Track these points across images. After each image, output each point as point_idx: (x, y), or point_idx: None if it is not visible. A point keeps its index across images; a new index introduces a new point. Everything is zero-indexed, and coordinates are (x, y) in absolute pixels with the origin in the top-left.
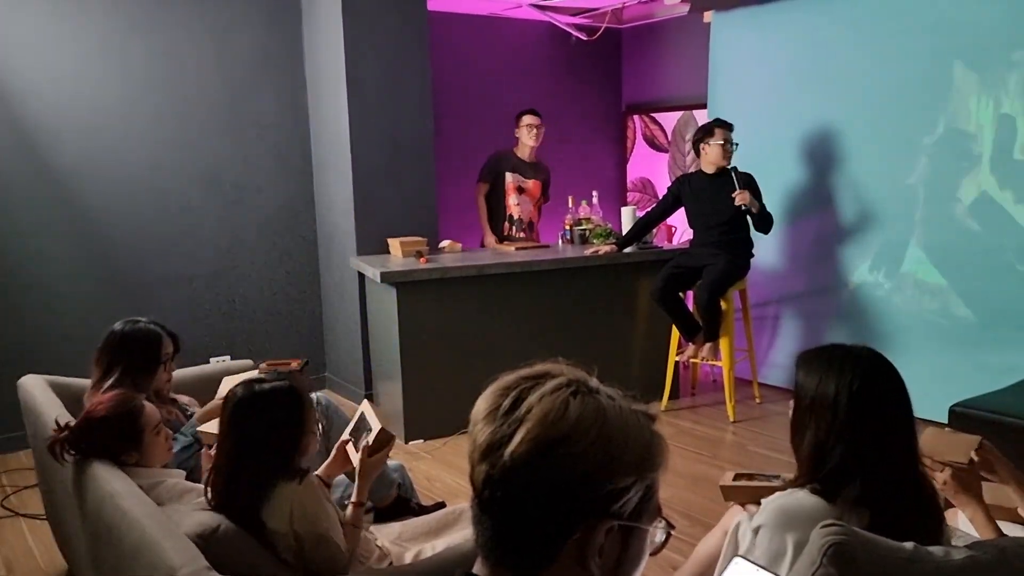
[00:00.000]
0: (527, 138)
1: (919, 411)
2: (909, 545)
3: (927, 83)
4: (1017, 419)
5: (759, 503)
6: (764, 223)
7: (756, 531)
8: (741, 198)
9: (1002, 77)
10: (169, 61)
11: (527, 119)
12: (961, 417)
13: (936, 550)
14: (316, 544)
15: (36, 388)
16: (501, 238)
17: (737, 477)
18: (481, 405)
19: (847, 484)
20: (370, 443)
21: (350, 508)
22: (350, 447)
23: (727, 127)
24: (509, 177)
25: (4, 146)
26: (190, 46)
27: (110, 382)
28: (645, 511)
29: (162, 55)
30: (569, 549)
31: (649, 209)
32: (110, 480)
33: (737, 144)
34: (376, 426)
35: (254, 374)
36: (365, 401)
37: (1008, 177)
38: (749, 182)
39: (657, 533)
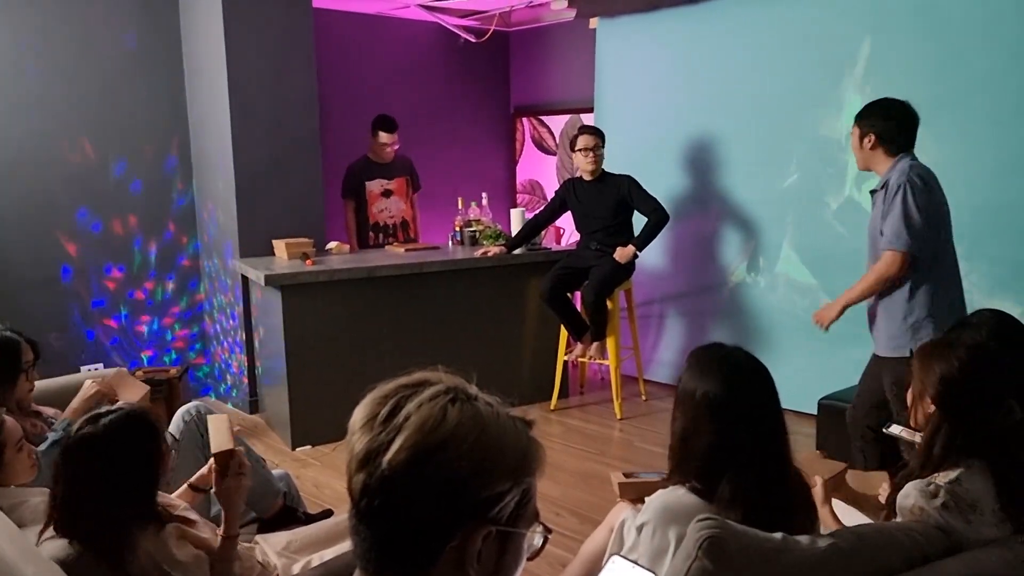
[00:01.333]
0: (382, 153)
1: (792, 403)
2: (778, 536)
3: (800, 93)
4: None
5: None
6: (658, 221)
7: (640, 529)
8: (620, 257)
9: (865, 89)
10: (34, 52)
11: (384, 137)
12: (828, 408)
13: (803, 539)
14: None
15: None
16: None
17: (627, 476)
18: (358, 414)
19: (721, 480)
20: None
21: (219, 541)
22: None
23: (591, 133)
24: (371, 185)
25: None
26: (57, 36)
27: None
28: (522, 516)
29: (26, 45)
30: (447, 556)
31: (538, 211)
32: None
33: (603, 149)
34: (216, 445)
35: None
36: (212, 416)
37: (870, 183)
38: (629, 184)
39: (535, 538)
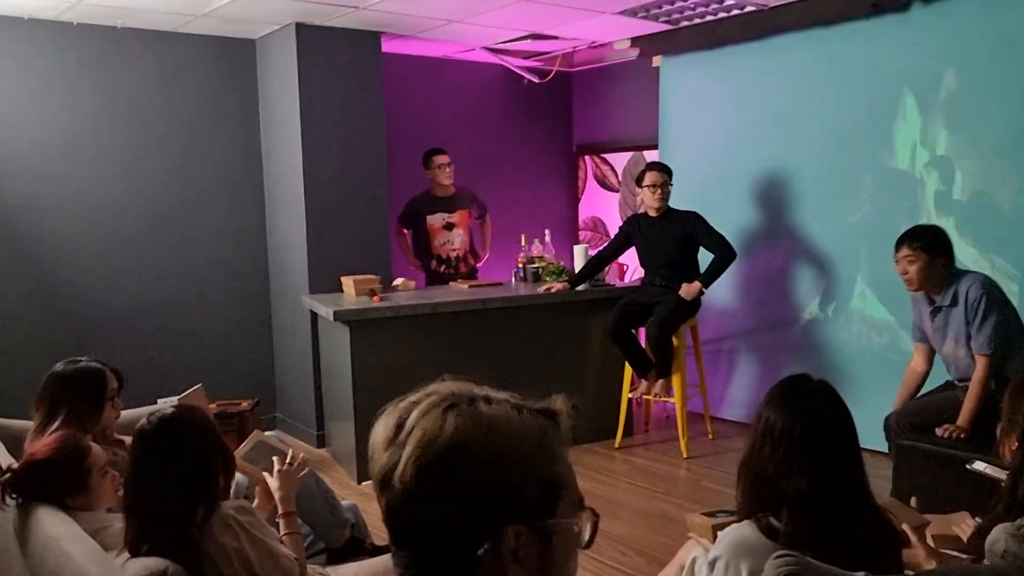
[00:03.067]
0: (442, 178)
1: (868, 443)
2: (860, 574)
3: (870, 126)
4: (957, 451)
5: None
6: (724, 257)
7: (712, 564)
8: (686, 293)
9: (939, 121)
10: (119, 98)
11: (439, 159)
12: (907, 450)
13: None
14: (268, 562)
15: None
16: (431, 275)
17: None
18: (373, 436)
19: (794, 515)
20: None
21: (282, 522)
22: (264, 473)
23: (659, 170)
24: (432, 219)
25: None
26: (141, 83)
27: (56, 424)
28: (558, 507)
29: (112, 92)
30: (485, 563)
31: (601, 248)
32: (54, 524)
33: (671, 185)
34: (288, 449)
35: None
36: (257, 431)
37: (948, 216)
38: (695, 220)
39: (585, 527)
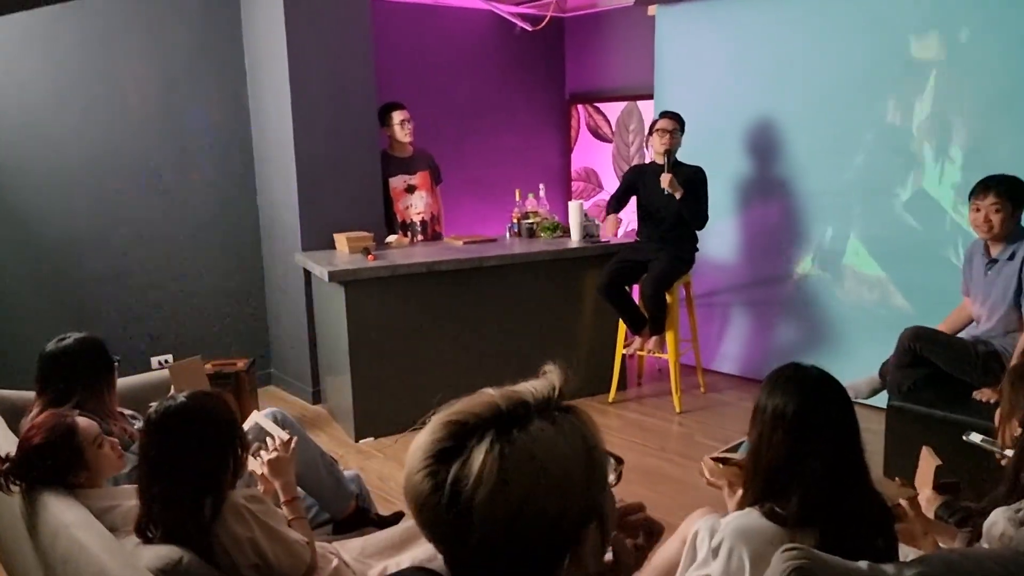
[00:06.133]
0: (400, 135)
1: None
2: (864, 564)
3: (867, 81)
4: (948, 413)
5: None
6: (695, 217)
7: (716, 551)
8: (665, 180)
9: (937, 79)
10: (102, 50)
11: (397, 115)
12: (898, 412)
13: (888, 568)
14: (280, 548)
15: None
16: None
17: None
18: (414, 462)
19: (795, 501)
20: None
21: (286, 509)
22: (251, 459)
23: (670, 117)
24: (395, 181)
25: None
26: (124, 35)
27: (70, 406)
28: (606, 485)
29: (94, 44)
30: (565, 569)
31: (614, 192)
32: (63, 510)
33: (681, 134)
34: (283, 434)
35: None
36: (256, 412)
37: (943, 174)
38: (697, 176)
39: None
